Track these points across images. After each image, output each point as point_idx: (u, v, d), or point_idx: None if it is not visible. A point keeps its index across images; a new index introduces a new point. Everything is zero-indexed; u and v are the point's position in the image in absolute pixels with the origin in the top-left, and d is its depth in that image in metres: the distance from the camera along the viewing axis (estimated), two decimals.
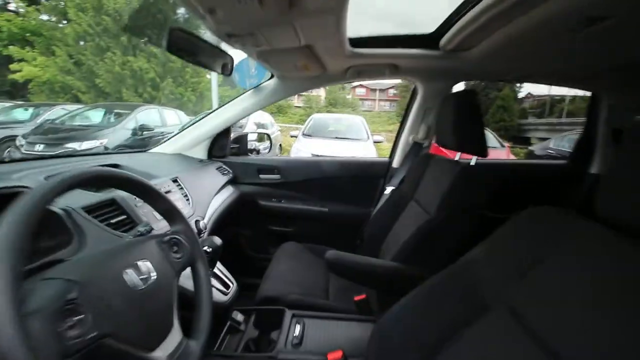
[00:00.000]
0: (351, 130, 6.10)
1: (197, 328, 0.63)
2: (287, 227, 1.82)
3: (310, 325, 1.04)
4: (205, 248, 0.92)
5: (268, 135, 2.06)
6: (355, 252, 1.24)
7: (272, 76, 1.47)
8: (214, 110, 1.60)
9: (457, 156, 1.24)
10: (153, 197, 0.65)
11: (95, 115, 6.25)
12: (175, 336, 0.56)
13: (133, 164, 1.17)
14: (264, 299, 1.16)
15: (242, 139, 1.86)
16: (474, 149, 1.08)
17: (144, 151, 1.57)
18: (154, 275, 0.55)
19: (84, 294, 0.44)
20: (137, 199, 0.86)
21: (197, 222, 1.05)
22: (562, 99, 17.00)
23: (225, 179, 1.56)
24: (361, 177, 1.77)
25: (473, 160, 1.16)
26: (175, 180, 1.12)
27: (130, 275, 0.51)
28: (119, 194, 0.84)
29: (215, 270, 1.02)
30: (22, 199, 0.42)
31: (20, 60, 9.60)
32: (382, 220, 1.46)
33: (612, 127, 1.62)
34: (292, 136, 6.75)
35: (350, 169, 1.78)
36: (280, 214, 1.78)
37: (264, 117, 7.91)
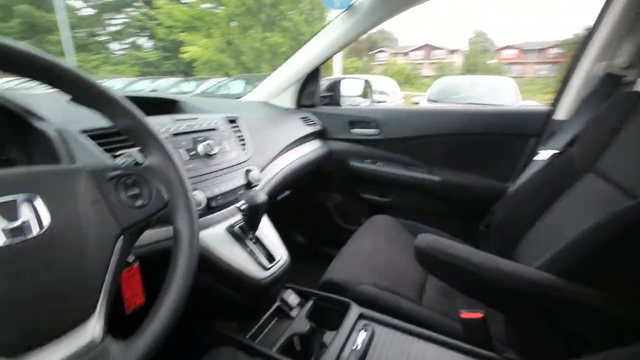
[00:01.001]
0: (492, 94, 4.94)
1: (143, 326, 0.38)
2: (383, 197, 1.44)
3: (382, 338, 0.69)
4: (240, 205, 0.68)
5: (369, 85, 1.65)
6: (476, 243, 0.77)
7: None
8: (299, 50, 1.32)
9: None
10: (102, 100, 0.41)
11: (237, 86, 7.15)
12: (83, 333, 0.32)
13: (199, 104, 1.02)
14: (327, 283, 0.86)
15: (335, 87, 1.53)
16: None
17: (238, 98, 1.46)
18: (44, 223, 0.31)
19: None
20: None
21: (248, 172, 0.82)
22: None
23: (308, 130, 1.29)
24: (498, 136, 1.20)
25: None
26: (233, 121, 0.91)
27: None
28: None
29: (262, 235, 0.77)
30: None
31: (188, 44, 11.81)
32: (528, 201, 0.93)
33: None
34: (413, 103, 6.01)
35: (482, 123, 1.23)
36: (375, 180, 1.41)
37: (387, 83, 7.34)
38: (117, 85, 9.16)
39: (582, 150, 0.86)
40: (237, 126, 0.91)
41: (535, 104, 4.55)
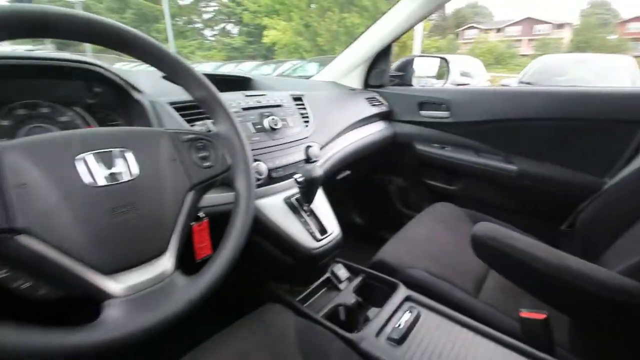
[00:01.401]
0: (604, 77, 4.12)
1: (207, 266, 0.44)
2: (450, 185, 1.36)
3: (426, 322, 0.68)
4: (297, 177, 0.72)
5: (447, 63, 1.51)
6: (557, 243, 0.69)
7: None
8: (368, 29, 1.28)
9: None
10: (178, 73, 0.47)
11: (312, 68, 7.31)
12: (156, 267, 0.39)
13: (270, 82, 1.08)
14: (378, 262, 0.87)
15: (406, 66, 1.45)
16: None
17: (307, 78, 1.51)
18: (132, 173, 0.39)
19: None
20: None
21: (308, 147, 0.86)
22: None
23: (374, 110, 1.27)
24: (600, 122, 1.02)
25: None
26: (298, 99, 0.95)
27: (86, 164, 0.36)
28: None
29: (317, 208, 0.81)
30: None
31: (270, 28, 12.30)
32: (627, 200, 0.79)
33: None
34: (502, 85, 5.35)
35: (580, 105, 1.05)
36: (442, 165, 1.33)
37: (472, 64, 6.67)
38: (207, 69, 10.15)
39: None
40: (302, 104, 0.95)
41: None
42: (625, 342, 0.54)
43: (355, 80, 1.40)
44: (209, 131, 0.52)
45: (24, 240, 0.31)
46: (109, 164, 0.38)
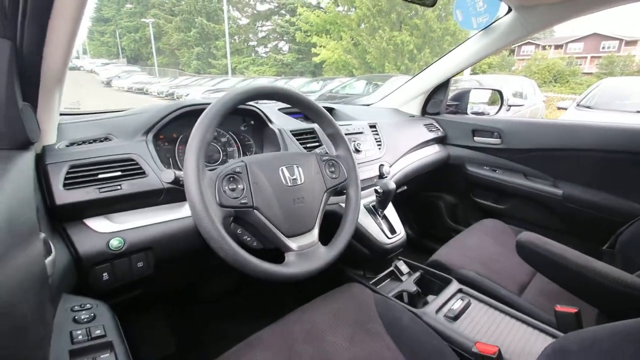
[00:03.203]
0: None
1: (334, 241, 0.69)
2: (498, 204, 1.51)
3: (475, 308, 0.86)
4: (377, 188, 0.96)
5: (501, 95, 1.68)
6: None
7: (508, 10, 1.17)
8: (434, 63, 1.51)
9: None
10: (320, 117, 0.74)
11: (359, 85, 7.61)
12: (310, 237, 0.65)
13: (347, 110, 1.35)
14: (434, 262, 1.07)
15: (463, 96, 1.64)
16: None
17: (368, 105, 1.76)
18: (302, 179, 0.65)
19: (246, 171, 0.60)
20: None
21: (381, 165, 1.09)
22: None
23: (430, 135, 1.48)
24: (637, 155, 1.14)
25: None
26: (373, 126, 1.20)
27: (284, 172, 0.63)
28: (317, 126, 1.02)
29: (388, 214, 1.04)
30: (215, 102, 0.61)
31: (319, 46, 12.94)
32: None
33: None
34: (559, 108, 5.18)
35: (622, 139, 1.18)
36: (492, 186, 1.49)
37: (524, 84, 6.52)
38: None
39: None
40: (376, 130, 1.20)
41: None
42: None
43: (414, 107, 1.62)
44: (336, 155, 0.78)
45: (256, 213, 0.58)
46: (292, 172, 0.65)
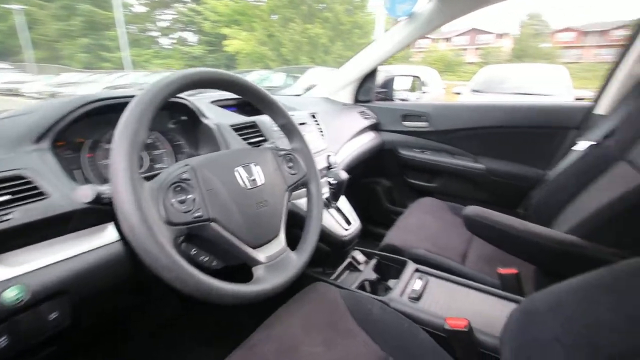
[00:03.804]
0: (540, 84, 4.77)
1: (302, 244, 0.63)
2: (430, 183, 1.63)
3: (434, 285, 0.90)
4: (330, 180, 0.92)
5: (419, 81, 1.81)
6: None
7: None
8: (360, 52, 1.52)
9: None
10: (271, 107, 0.66)
11: (278, 78, 7.49)
12: (278, 244, 0.57)
13: (282, 100, 1.27)
14: (387, 246, 1.09)
15: (388, 83, 1.72)
16: None
17: (299, 95, 1.70)
18: (261, 179, 0.57)
19: (197, 178, 0.49)
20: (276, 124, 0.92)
21: (328, 156, 1.05)
22: None
23: (366, 123, 1.51)
24: (540, 128, 1.33)
25: None
26: (313, 116, 1.15)
27: (240, 174, 0.54)
28: (260, 118, 0.93)
29: (341, 205, 1.01)
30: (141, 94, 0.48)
31: (231, 37, 12.33)
32: (563, 186, 1.08)
33: None
34: (455, 93, 5.93)
35: (526, 116, 1.37)
36: (423, 167, 1.59)
37: (427, 73, 7.26)
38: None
39: (617, 142, 0.99)
40: (317, 120, 1.15)
41: (590, 94, 4.37)
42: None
43: (347, 96, 1.63)
44: (292, 148, 0.70)
45: (215, 226, 0.48)
46: (250, 173, 0.55)
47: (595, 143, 1.09)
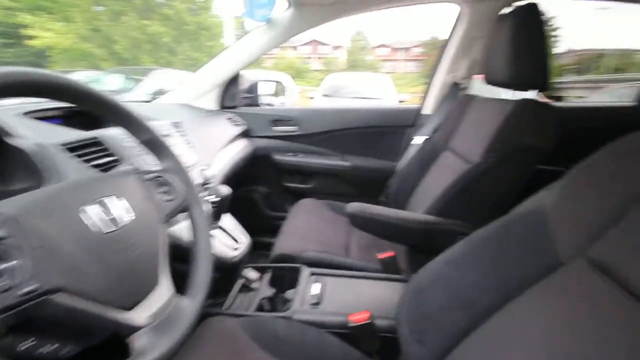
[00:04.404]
0: (373, 89, 5.75)
1: (194, 283, 0.52)
2: (305, 184, 1.69)
3: (331, 285, 0.93)
4: (210, 198, 0.81)
5: (281, 86, 1.86)
6: None
7: (289, 6, 1.26)
8: (220, 54, 1.43)
9: (511, 95, 1.02)
10: (128, 120, 0.51)
11: (114, 81, 6.28)
12: (162, 293, 0.45)
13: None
14: (279, 256, 1.05)
15: (253, 89, 1.69)
16: (533, 80, 0.88)
17: (148, 101, 1.45)
18: (130, 216, 0.43)
19: (19, 232, 0.32)
20: (127, 138, 0.73)
21: (201, 171, 0.93)
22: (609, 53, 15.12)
23: (237, 130, 1.43)
24: (387, 127, 1.58)
25: (532, 94, 0.95)
26: (176, 126, 1.00)
27: (90, 214, 0.39)
28: (105, 132, 0.72)
29: (224, 223, 0.91)
30: None
31: (36, 28, 9.55)
32: (410, 174, 1.30)
33: None
34: (310, 97, 6.48)
35: (374, 118, 1.59)
36: (297, 170, 1.64)
37: (282, 78, 7.61)
38: None
39: (441, 135, 1.27)
40: (183, 130, 1.00)
41: (408, 97, 5.55)
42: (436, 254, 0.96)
43: (211, 102, 1.49)
44: (162, 169, 0.56)
45: (58, 299, 0.33)
46: (106, 210, 0.40)
47: (427, 137, 1.36)
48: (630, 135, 0.48)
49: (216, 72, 1.43)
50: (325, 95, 5.71)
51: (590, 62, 16.19)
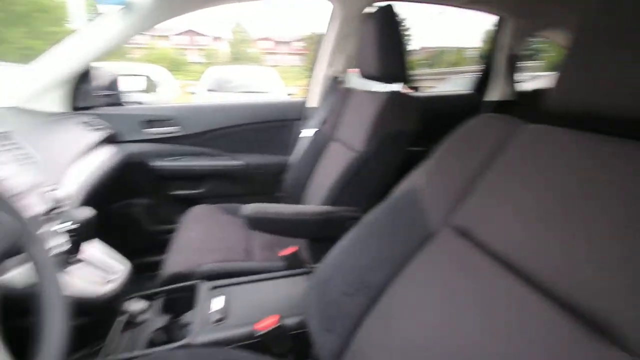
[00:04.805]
0: (259, 83, 5.66)
1: (44, 347, 0.40)
2: (195, 190, 1.54)
3: (236, 295, 0.87)
4: (64, 226, 0.64)
5: (150, 81, 1.62)
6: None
7: None
8: (64, 42, 1.14)
9: (380, 87, 1.13)
10: None
11: None
12: None
13: None
14: (170, 276, 0.93)
15: (114, 85, 1.41)
16: (396, 73, 0.99)
17: None
18: None
19: None
20: None
21: (48, 192, 0.73)
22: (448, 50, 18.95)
23: (97, 136, 1.17)
24: (275, 122, 1.56)
25: (398, 86, 1.07)
26: (4, 137, 0.75)
27: None
28: None
29: (88, 253, 0.74)
30: None
31: None
32: (303, 167, 1.33)
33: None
34: (190, 93, 5.94)
35: (262, 113, 1.55)
36: (184, 175, 1.48)
37: (157, 71, 6.71)
38: None
39: (328, 127, 1.33)
40: (15, 143, 0.76)
41: (297, 90, 5.67)
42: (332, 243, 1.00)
43: (54, 103, 1.18)
44: None
45: None
46: None
47: (317, 129, 1.41)
48: (474, 119, 0.59)
49: (61, 64, 1.14)
50: (211, 90, 5.33)
51: (435, 57, 19.89)
